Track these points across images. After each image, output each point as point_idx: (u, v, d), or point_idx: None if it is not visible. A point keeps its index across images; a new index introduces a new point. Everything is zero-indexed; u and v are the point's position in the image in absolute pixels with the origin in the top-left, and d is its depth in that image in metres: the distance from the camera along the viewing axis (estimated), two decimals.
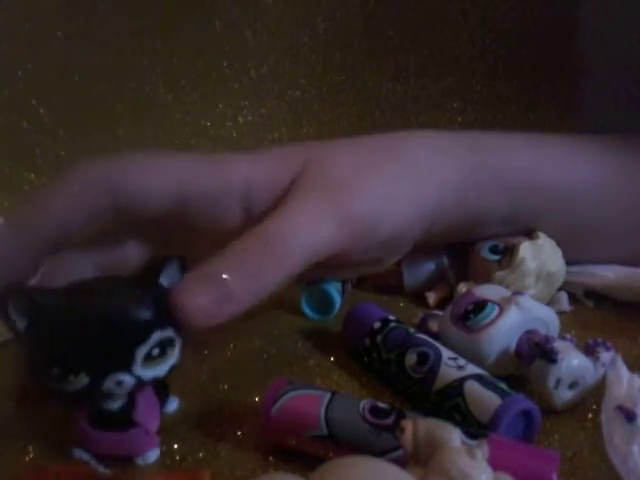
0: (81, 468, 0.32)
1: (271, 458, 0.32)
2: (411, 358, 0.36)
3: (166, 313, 0.31)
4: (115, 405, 0.32)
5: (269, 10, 0.70)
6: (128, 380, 0.30)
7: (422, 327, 0.40)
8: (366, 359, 0.39)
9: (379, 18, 0.71)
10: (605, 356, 0.36)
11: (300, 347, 0.41)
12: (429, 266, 0.46)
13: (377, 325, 0.38)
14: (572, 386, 0.35)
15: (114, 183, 0.33)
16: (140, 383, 0.31)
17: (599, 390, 0.35)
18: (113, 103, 0.67)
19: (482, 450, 0.26)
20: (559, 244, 0.43)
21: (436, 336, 0.38)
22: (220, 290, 0.30)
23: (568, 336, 0.37)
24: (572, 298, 0.45)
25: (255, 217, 0.36)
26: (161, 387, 0.34)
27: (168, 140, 0.66)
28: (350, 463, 0.25)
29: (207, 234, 0.37)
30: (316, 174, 0.36)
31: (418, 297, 0.45)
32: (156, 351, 0.30)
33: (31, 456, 0.33)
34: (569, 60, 0.67)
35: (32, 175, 0.65)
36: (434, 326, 0.39)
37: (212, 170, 0.36)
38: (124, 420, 0.32)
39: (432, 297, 0.45)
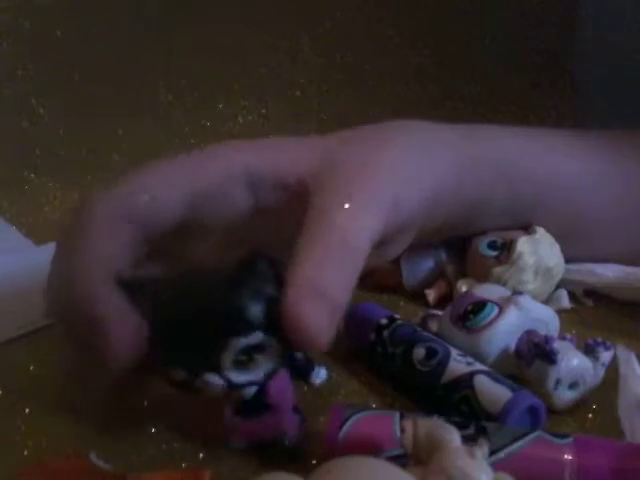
0: (81, 464, 0.32)
1: (271, 458, 0.33)
2: (419, 352, 0.36)
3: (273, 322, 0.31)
4: (250, 392, 0.32)
5: (269, 10, 0.70)
6: (217, 381, 0.31)
7: (422, 327, 0.40)
8: (369, 354, 0.39)
9: (379, 18, 0.71)
10: (605, 356, 0.36)
11: None
12: (428, 263, 0.46)
13: (384, 321, 0.39)
14: (572, 386, 0.35)
15: (133, 214, 0.34)
16: (232, 386, 0.31)
17: (599, 390, 0.35)
18: (113, 103, 0.67)
19: (482, 450, 0.26)
20: (557, 237, 0.43)
21: (436, 336, 0.38)
22: (328, 303, 0.31)
23: (568, 336, 0.37)
24: (572, 297, 0.44)
25: (262, 204, 0.37)
26: (305, 362, 0.35)
27: (168, 140, 0.66)
28: (350, 463, 0.25)
29: (221, 227, 0.37)
30: (331, 171, 0.36)
31: (418, 297, 0.45)
32: (242, 357, 0.31)
33: (29, 452, 0.33)
34: (569, 60, 0.67)
35: (32, 175, 0.65)
36: (434, 326, 0.39)
37: (212, 162, 0.37)
38: (260, 405, 0.32)
39: (432, 294, 0.45)
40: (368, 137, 0.39)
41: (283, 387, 0.33)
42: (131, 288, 0.33)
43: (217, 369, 0.31)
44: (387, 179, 0.37)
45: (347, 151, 0.37)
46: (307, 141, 0.39)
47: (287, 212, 0.36)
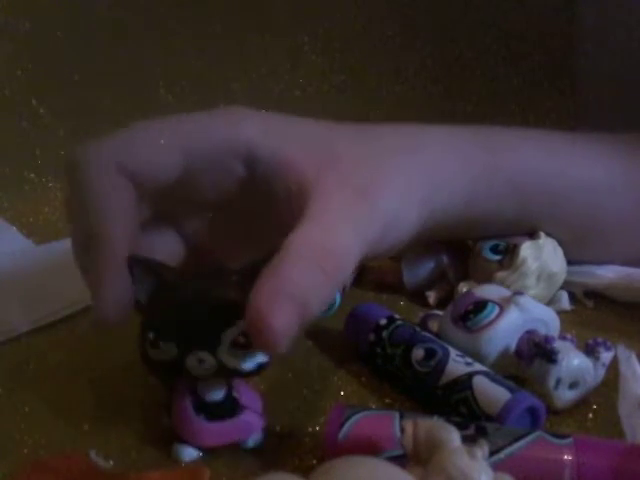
0: (80, 462, 0.32)
1: (271, 458, 0.33)
2: (418, 353, 0.36)
3: None
4: (219, 395, 0.32)
5: (269, 10, 0.70)
6: (210, 361, 0.31)
7: (422, 327, 0.40)
8: (368, 354, 0.39)
9: (379, 18, 0.71)
10: (605, 356, 0.36)
11: (300, 347, 0.41)
12: (429, 264, 0.46)
13: (383, 321, 0.39)
14: (572, 386, 0.35)
15: (124, 165, 0.34)
16: (222, 369, 0.31)
17: (599, 390, 0.35)
18: (113, 103, 0.67)
19: (482, 450, 0.26)
20: (565, 244, 0.43)
21: (437, 336, 0.38)
22: (298, 305, 0.30)
23: (568, 336, 0.37)
24: (572, 298, 0.44)
25: (258, 180, 0.36)
26: None
27: None
28: (349, 463, 0.25)
29: (213, 199, 0.37)
30: (334, 177, 0.35)
31: (418, 297, 0.45)
32: (242, 339, 0.31)
33: (29, 450, 0.33)
34: (569, 60, 0.67)
35: (32, 175, 0.65)
36: (434, 326, 0.39)
37: (214, 127, 0.35)
38: (230, 408, 0.33)
39: (432, 296, 0.45)
40: (378, 140, 0.38)
41: (250, 391, 0.33)
42: (137, 264, 0.32)
43: (212, 348, 0.31)
44: (389, 194, 0.36)
45: (355, 153, 0.36)
46: (317, 133, 0.38)
47: (281, 203, 0.35)
